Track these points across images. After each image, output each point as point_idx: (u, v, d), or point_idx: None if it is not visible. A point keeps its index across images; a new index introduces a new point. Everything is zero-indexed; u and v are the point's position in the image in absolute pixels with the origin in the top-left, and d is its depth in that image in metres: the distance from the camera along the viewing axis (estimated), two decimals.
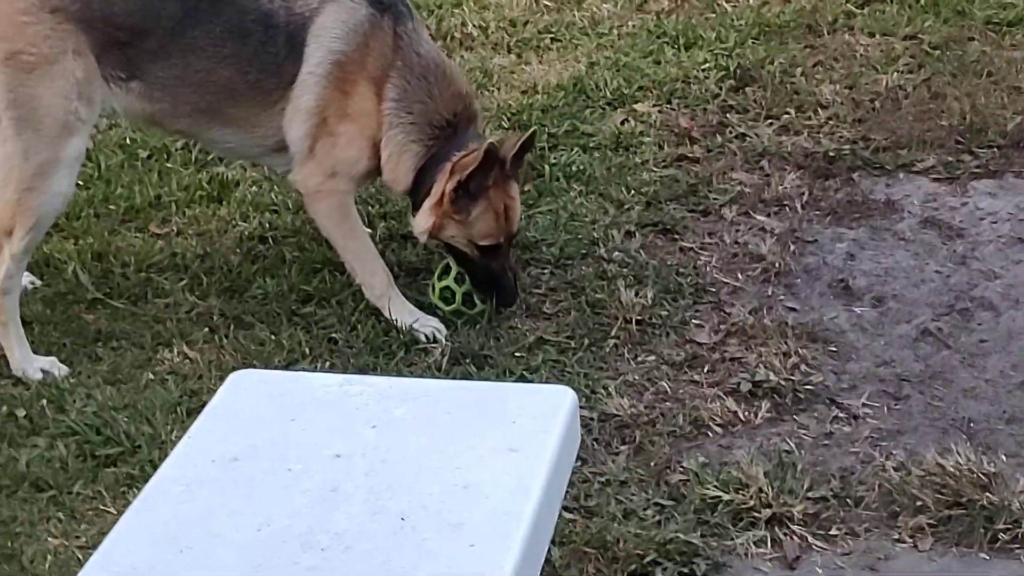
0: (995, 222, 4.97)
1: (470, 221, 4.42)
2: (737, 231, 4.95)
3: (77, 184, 5.15)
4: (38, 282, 4.74)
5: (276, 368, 4.28)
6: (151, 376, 4.30)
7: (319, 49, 4.42)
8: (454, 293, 4.52)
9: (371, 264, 4.56)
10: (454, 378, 4.22)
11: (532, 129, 4.73)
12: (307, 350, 4.39)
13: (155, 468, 2.75)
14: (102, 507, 3.81)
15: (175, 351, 4.41)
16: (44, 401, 4.18)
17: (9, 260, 4.29)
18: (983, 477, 3.71)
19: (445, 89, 4.47)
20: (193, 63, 4.40)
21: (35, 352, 4.37)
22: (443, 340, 4.41)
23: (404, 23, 4.47)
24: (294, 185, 4.59)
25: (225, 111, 4.50)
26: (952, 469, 3.75)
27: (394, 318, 4.48)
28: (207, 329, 4.51)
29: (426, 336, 4.43)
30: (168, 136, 5.31)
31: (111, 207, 5.12)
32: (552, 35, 6.23)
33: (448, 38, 6.21)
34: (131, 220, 5.08)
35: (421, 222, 4.47)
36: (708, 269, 4.75)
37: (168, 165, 5.42)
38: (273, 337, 4.44)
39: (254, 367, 4.27)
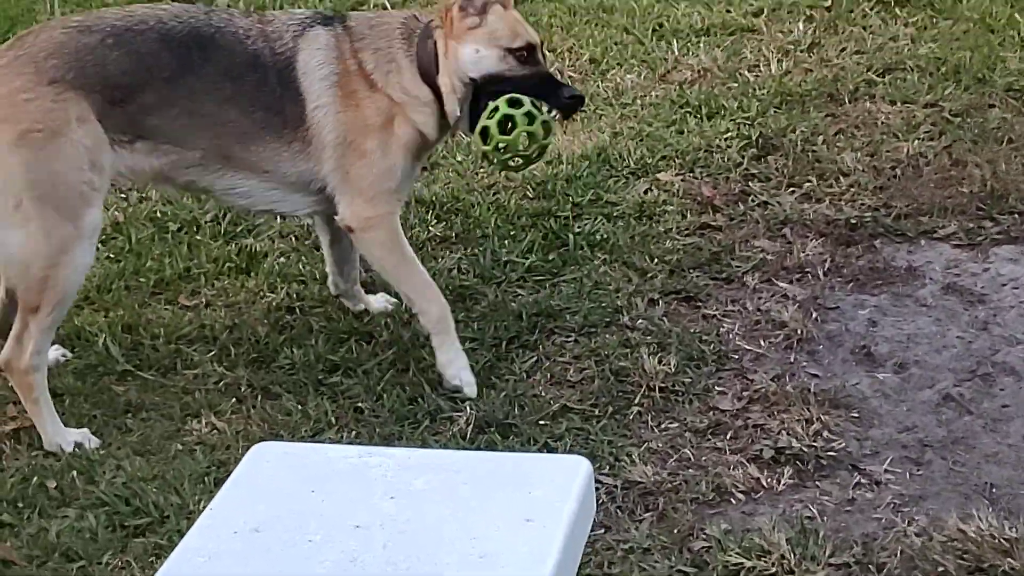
0: (1017, 288, 5.00)
1: (491, 26, 4.48)
2: (760, 298, 4.99)
3: (108, 257, 5.30)
4: (69, 355, 4.81)
5: (302, 438, 4.33)
6: (180, 447, 4.35)
7: (314, 83, 4.52)
8: (487, 129, 4.37)
9: (428, 291, 4.62)
10: (479, 447, 4.26)
11: None
12: (333, 419, 4.44)
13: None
14: None
15: (203, 422, 4.46)
16: (74, 472, 4.24)
17: (36, 336, 4.34)
18: (1005, 542, 3.72)
19: (388, 26, 4.63)
20: (198, 108, 4.46)
21: (66, 424, 4.44)
22: (469, 394, 4.50)
23: (344, 20, 4.69)
24: (342, 223, 4.59)
25: (237, 155, 4.54)
26: (974, 534, 3.76)
27: (439, 350, 4.56)
28: (235, 399, 4.56)
29: (455, 384, 4.52)
30: (180, 192, 5.32)
31: (141, 280, 5.20)
32: None
33: None
34: (161, 292, 5.16)
35: (463, 54, 4.48)
36: (731, 336, 4.79)
37: (198, 237, 5.50)
38: (300, 407, 4.50)
39: (281, 437, 4.33)
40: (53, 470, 4.26)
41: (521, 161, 4.48)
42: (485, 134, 4.37)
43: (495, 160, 4.44)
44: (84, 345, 4.86)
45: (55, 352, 4.77)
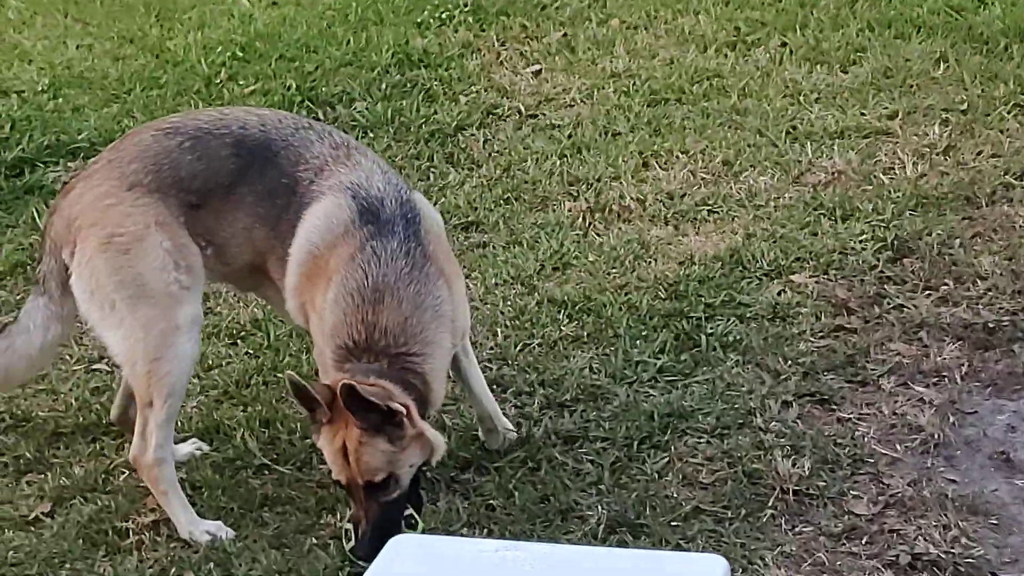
0: None
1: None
2: (895, 402, 4.94)
3: (247, 353, 5.39)
4: (206, 447, 4.89)
5: (435, 533, 4.35)
6: (314, 540, 4.40)
7: (301, 237, 4.40)
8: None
9: None
10: (610, 546, 4.25)
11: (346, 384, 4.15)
12: (465, 516, 4.46)
13: None
14: None
15: (338, 516, 4.51)
16: (212, 564, 4.31)
17: (156, 431, 4.42)
18: None
19: (369, 314, 4.29)
20: (239, 219, 4.47)
21: (204, 516, 4.51)
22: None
23: (381, 240, 4.36)
24: None
25: (268, 272, 4.52)
26: None
27: None
28: None
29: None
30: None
31: (279, 375, 5.27)
32: (709, 207, 6.31)
33: (606, 210, 6.32)
34: None
35: None
36: (866, 440, 4.73)
37: None
38: (432, 504, 4.52)
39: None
40: (191, 562, 4.34)
41: None
42: None
43: None
44: (222, 439, 4.94)
45: (190, 446, 4.86)
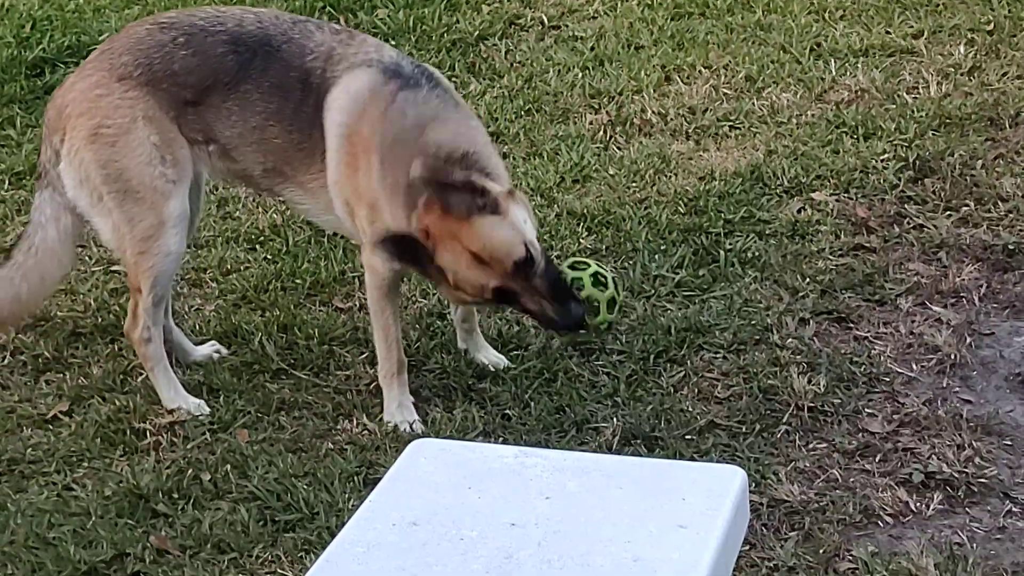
0: None
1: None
2: (913, 322, 4.94)
3: (265, 258, 5.40)
4: (224, 351, 4.92)
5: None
6: (331, 445, 4.43)
7: (331, 124, 4.38)
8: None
9: (390, 348, 4.53)
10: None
11: None
12: (481, 425, 4.49)
13: (332, 535, 2.85)
14: (280, 571, 3.94)
15: (355, 422, 4.54)
16: (228, 466, 4.34)
17: (144, 314, 4.55)
18: None
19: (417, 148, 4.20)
20: (249, 119, 4.47)
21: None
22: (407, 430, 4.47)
23: (410, 90, 4.33)
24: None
25: (286, 171, 4.51)
26: None
27: (386, 398, 4.55)
28: None
29: (393, 424, 4.51)
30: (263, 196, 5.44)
31: (297, 281, 5.29)
32: (731, 123, 6.28)
33: (627, 124, 6.30)
34: (316, 294, 5.24)
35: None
36: (882, 359, 4.74)
37: (353, 242, 5.58)
38: (448, 412, 4.55)
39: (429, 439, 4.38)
40: (207, 463, 4.37)
41: None
42: None
43: None
44: (240, 343, 4.96)
45: (209, 348, 4.89)
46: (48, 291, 4.82)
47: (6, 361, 4.92)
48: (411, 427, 4.50)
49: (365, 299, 5.17)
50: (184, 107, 4.45)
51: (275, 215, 5.66)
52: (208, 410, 4.60)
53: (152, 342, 4.60)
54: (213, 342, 4.94)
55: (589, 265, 4.37)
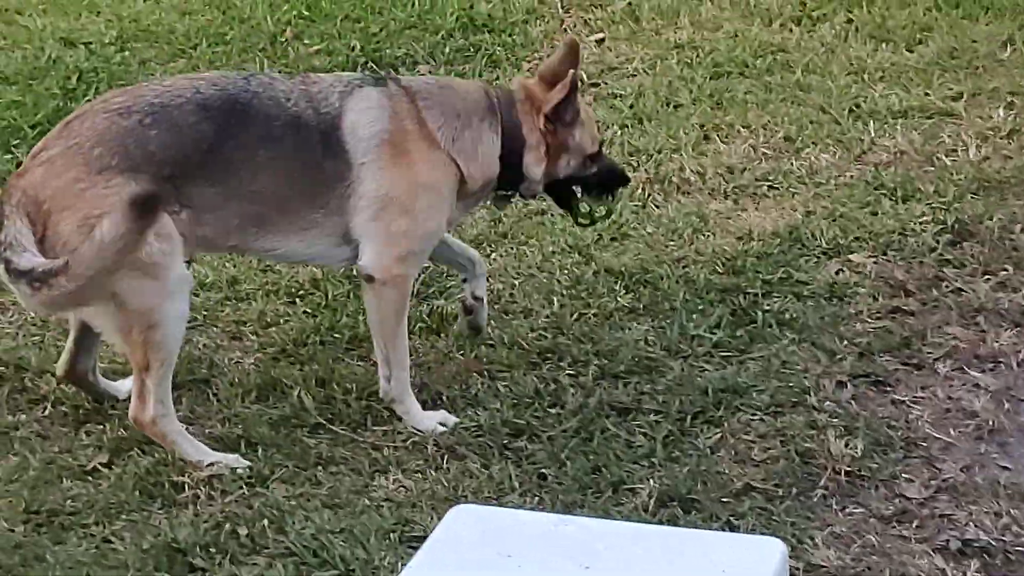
0: None
1: (577, 143, 4.94)
2: (951, 386, 4.93)
3: (304, 312, 5.44)
4: None
5: (487, 500, 4.39)
6: (367, 502, 4.44)
7: (360, 141, 4.68)
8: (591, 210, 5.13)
9: (405, 360, 4.83)
10: (660, 520, 4.27)
11: (572, 40, 5.11)
12: (516, 484, 4.49)
13: None
14: None
15: (391, 479, 4.55)
16: (265, 521, 4.35)
17: (154, 390, 4.57)
18: None
19: (464, 90, 4.95)
20: (232, 176, 4.61)
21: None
22: (436, 428, 4.75)
23: (399, 80, 4.95)
24: (363, 271, 4.76)
25: (273, 218, 4.70)
26: None
27: (405, 414, 4.81)
28: (422, 459, 4.64)
29: (425, 428, 4.75)
30: (219, 255, 5.56)
31: (336, 335, 5.32)
32: (769, 183, 6.30)
33: (666, 182, 6.33)
34: (354, 348, 5.27)
35: (534, 172, 4.92)
36: (920, 423, 4.73)
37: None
38: (484, 470, 4.56)
39: (465, 499, 4.40)
40: (245, 518, 4.38)
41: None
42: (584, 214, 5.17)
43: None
44: (279, 396, 4.98)
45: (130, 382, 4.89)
46: None
47: (47, 412, 4.95)
48: (447, 425, 4.76)
49: None
50: (163, 183, 4.50)
51: (315, 269, 5.70)
52: (247, 463, 4.63)
53: (165, 418, 4.60)
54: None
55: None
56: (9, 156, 6.48)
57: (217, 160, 4.60)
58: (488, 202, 5.19)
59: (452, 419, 4.78)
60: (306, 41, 7.66)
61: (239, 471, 4.58)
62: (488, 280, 5.32)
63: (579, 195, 5.10)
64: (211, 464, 4.60)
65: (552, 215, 6.09)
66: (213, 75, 4.87)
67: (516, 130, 4.88)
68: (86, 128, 4.57)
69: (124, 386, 4.96)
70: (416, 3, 8.05)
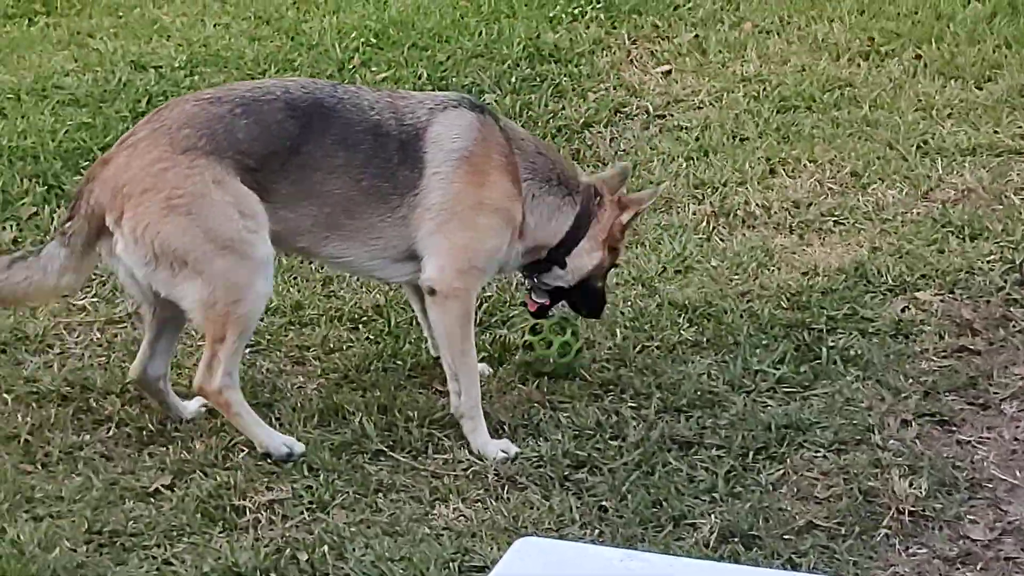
0: None
1: (621, 248, 5.22)
2: (1017, 427, 4.88)
3: (367, 338, 5.45)
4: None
5: (547, 531, 4.39)
6: (427, 530, 4.44)
7: (440, 152, 4.77)
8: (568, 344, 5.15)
9: (474, 374, 4.90)
10: (721, 557, 4.25)
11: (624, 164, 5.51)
12: (577, 516, 4.48)
13: None
14: None
15: (451, 507, 4.55)
16: (325, 547, 4.36)
17: (225, 361, 4.68)
18: None
19: (558, 159, 5.14)
20: (307, 177, 4.70)
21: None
22: (502, 456, 4.77)
23: (499, 119, 5.02)
24: (426, 283, 4.83)
25: (341, 222, 4.78)
26: None
27: (471, 434, 4.84)
28: (482, 488, 4.64)
29: (493, 456, 4.77)
30: (288, 256, 5.63)
31: (398, 362, 5.33)
32: (835, 218, 6.27)
33: (731, 215, 6.31)
34: (416, 376, 5.28)
35: (588, 260, 5.08)
36: (986, 464, 4.69)
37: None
38: (545, 501, 4.55)
39: (525, 530, 4.39)
40: (305, 543, 4.39)
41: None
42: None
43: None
44: (341, 422, 4.99)
45: (196, 403, 5.03)
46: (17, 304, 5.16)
47: (111, 433, 4.99)
48: (508, 453, 4.78)
49: None
50: (245, 174, 4.62)
51: (378, 295, 5.72)
52: (302, 447, 4.75)
53: (231, 389, 4.73)
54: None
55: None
56: (78, 178, 6.54)
57: (297, 159, 4.69)
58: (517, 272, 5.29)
59: (514, 448, 4.79)
60: (373, 68, 7.70)
61: (300, 493, 4.59)
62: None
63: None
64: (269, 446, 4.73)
65: None
66: (303, 79, 5.01)
67: (586, 219, 5.02)
68: (175, 113, 4.68)
69: (191, 406, 5.03)
70: (483, 32, 8.09)
